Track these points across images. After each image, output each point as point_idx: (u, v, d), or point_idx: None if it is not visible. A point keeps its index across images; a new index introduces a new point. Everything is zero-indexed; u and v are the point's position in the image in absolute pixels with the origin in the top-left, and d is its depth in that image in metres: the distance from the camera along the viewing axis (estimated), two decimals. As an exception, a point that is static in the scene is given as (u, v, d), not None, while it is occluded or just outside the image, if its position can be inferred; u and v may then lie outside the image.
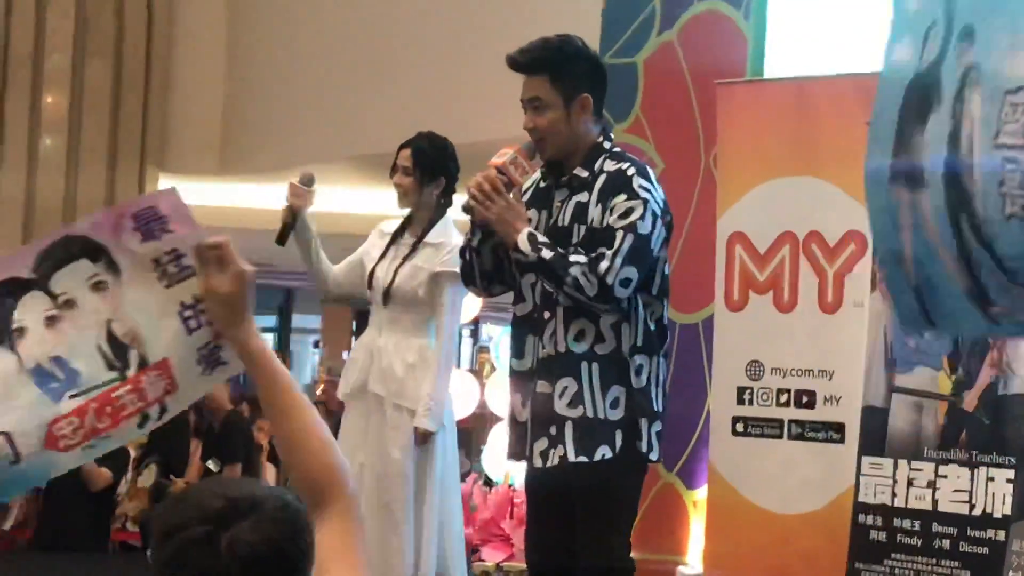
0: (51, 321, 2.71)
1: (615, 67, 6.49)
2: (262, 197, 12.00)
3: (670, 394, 6.02)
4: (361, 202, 11.81)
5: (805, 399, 5.43)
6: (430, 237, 6.09)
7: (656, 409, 4.76)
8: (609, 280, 4.58)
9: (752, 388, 5.54)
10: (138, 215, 2.71)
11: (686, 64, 6.37)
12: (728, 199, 5.68)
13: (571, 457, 4.67)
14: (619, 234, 4.60)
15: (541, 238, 4.65)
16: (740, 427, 5.57)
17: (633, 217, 4.62)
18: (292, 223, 6.08)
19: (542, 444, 4.74)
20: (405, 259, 6.08)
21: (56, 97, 11.75)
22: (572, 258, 4.59)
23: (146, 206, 2.72)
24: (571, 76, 4.75)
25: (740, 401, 5.57)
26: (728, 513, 5.62)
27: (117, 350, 2.73)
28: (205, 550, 2.04)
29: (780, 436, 5.47)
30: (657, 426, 4.77)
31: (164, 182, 12.14)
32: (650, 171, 4.78)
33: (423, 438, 5.95)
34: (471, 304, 13.48)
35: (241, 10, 12.03)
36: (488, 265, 4.88)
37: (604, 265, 4.58)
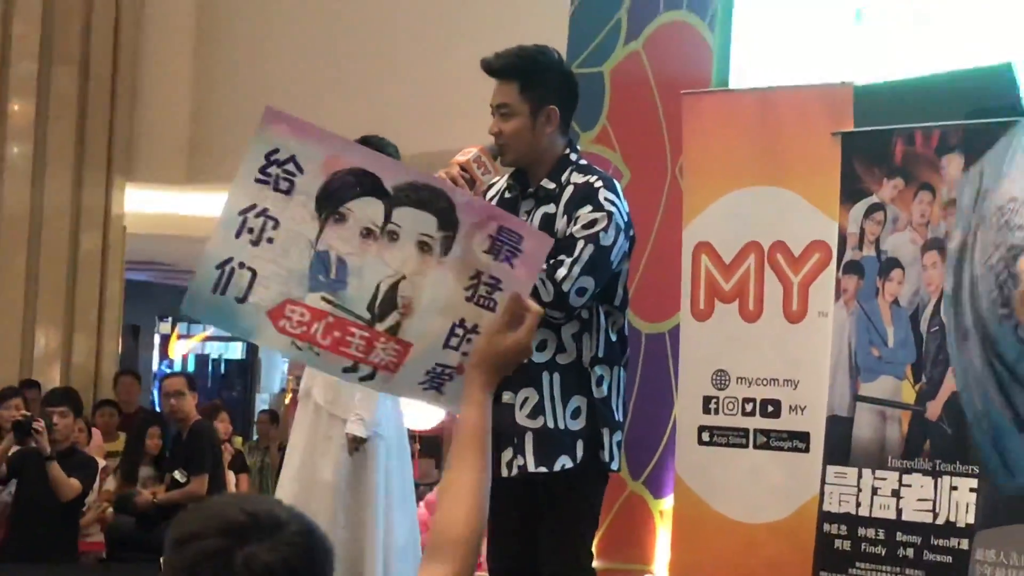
0: (367, 233, 2.70)
1: (582, 76, 6.49)
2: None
3: (637, 403, 6.06)
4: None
5: (770, 408, 5.44)
6: None
7: (617, 419, 4.77)
8: (565, 288, 4.56)
9: (718, 397, 5.55)
10: (504, 229, 2.70)
11: (652, 74, 6.38)
12: (694, 209, 5.69)
13: (531, 467, 4.67)
14: (580, 243, 4.59)
15: None
16: (706, 436, 5.58)
17: (596, 228, 4.61)
18: None
19: (508, 455, 4.74)
20: None
21: (22, 105, 11.71)
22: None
23: (516, 229, 2.71)
24: (541, 86, 4.75)
25: (706, 410, 5.58)
26: (694, 522, 5.63)
27: (387, 302, 2.72)
28: (219, 563, 1.99)
29: (746, 445, 5.48)
30: (618, 436, 4.77)
31: (131, 191, 12.11)
32: (617, 185, 4.79)
33: (352, 445, 5.94)
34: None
35: (208, 19, 12.01)
36: None
37: (562, 272, 4.57)
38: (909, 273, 5.00)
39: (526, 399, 4.70)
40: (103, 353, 12.06)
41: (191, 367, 23.64)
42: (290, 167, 2.72)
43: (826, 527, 5.09)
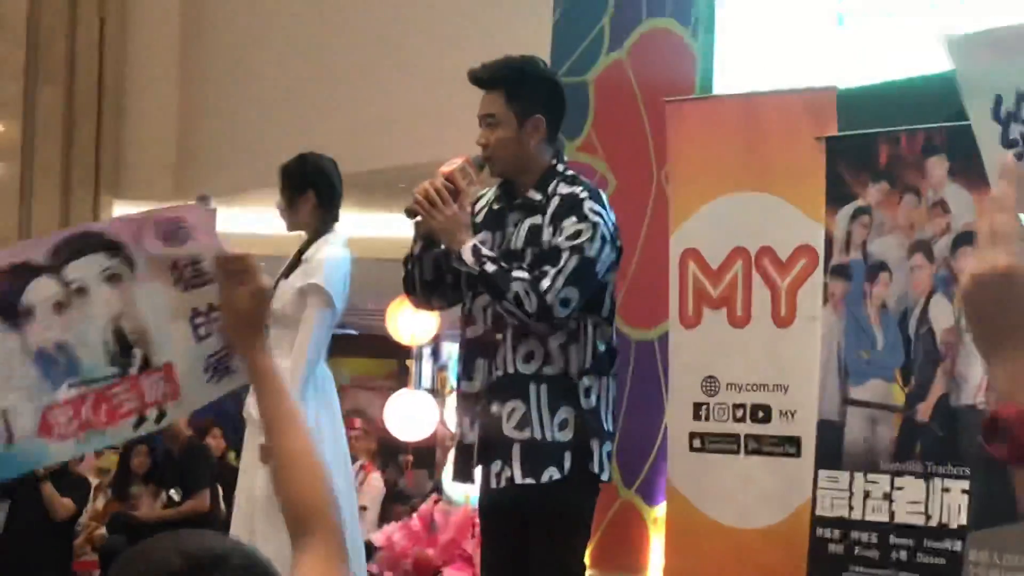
0: (59, 307, 2.67)
1: (566, 85, 6.51)
2: (219, 221, 11.98)
3: (628, 411, 6.06)
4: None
5: (761, 414, 5.44)
6: (308, 253, 6.03)
7: (607, 429, 4.76)
8: (549, 299, 4.56)
9: (708, 404, 5.55)
10: (162, 222, 2.68)
11: (636, 81, 6.39)
12: (680, 215, 5.69)
13: (518, 479, 4.67)
14: (564, 254, 4.59)
15: (486, 251, 4.64)
16: (697, 443, 5.58)
17: (581, 239, 4.61)
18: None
19: (496, 466, 4.74)
20: (281, 278, 6.02)
21: (8, 125, 11.72)
22: (515, 274, 4.58)
23: (172, 216, 2.69)
24: (527, 96, 4.75)
25: (696, 417, 5.57)
26: (687, 529, 5.63)
27: (122, 346, 2.68)
28: None
29: (737, 451, 5.48)
30: (608, 446, 4.76)
31: (119, 208, 12.11)
32: (603, 195, 4.78)
33: (263, 454, 5.92)
34: (429, 323, 13.48)
35: (193, 34, 12.02)
36: (428, 275, 4.86)
37: (546, 284, 4.56)
38: (896, 276, 5.00)
39: (513, 410, 4.69)
40: (94, 372, 12.02)
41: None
42: None
43: (819, 531, 5.09)
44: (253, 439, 6.03)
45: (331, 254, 5.95)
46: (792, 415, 5.36)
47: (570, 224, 4.63)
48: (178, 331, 2.69)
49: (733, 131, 5.58)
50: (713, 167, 5.61)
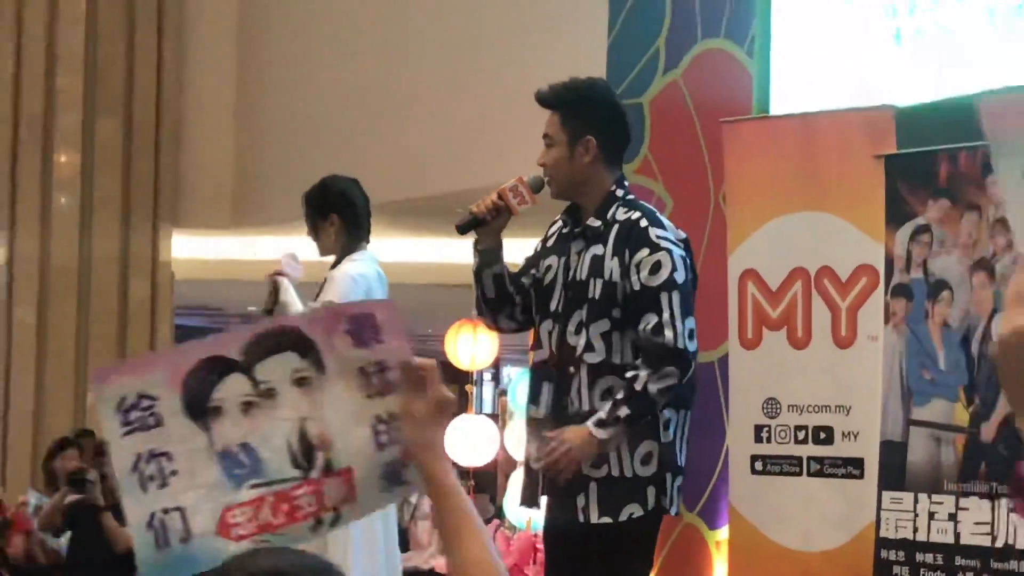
0: (248, 407, 2.68)
1: (621, 108, 6.50)
2: (275, 249, 12.02)
3: (689, 434, 6.02)
4: (372, 251, 11.82)
5: (823, 435, 5.39)
6: (329, 273, 6.10)
7: (679, 464, 4.74)
8: (681, 345, 4.57)
9: (769, 426, 5.51)
10: (354, 318, 2.69)
11: (692, 102, 6.37)
12: (738, 236, 5.66)
13: (593, 518, 4.63)
14: (663, 296, 4.59)
15: (600, 415, 4.56)
16: (759, 465, 5.54)
17: (665, 271, 4.60)
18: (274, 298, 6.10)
19: (567, 500, 4.70)
20: (312, 301, 6.06)
21: (68, 156, 11.82)
22: (636, 385, 4.52)
23: (363, 312, 2.69)
24: (580, 117, 4.76)
25: (758, 439, 5.53)
26: (750, 552, 5.58)
27: (306, 450, 2.68)
28: None
29: (799, 473, 5.43)
30: (679, 480, 4.74)
31: (177, 237, 12.18)
32: (660, 216, 4.77)
33: None
34: (489, 347, 13.46)
35: (250, 64, 12.08)
36: (490, 293, 4.87)
37: (668, 334, 4.56)
38: (958, 294, 4.95)
39: None
40: (155, 400, 12.07)
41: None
42: (144, 403, 2.71)
43: (884, 553, 5.04)
44: None
45: (349, 270, 6.00)
46: (855, 436, 5.31)
47: (645, 257, 4.61)
48: (360, 437, 2.69)
49: (791, 151, 5.55)
50: (771, 187, 5.58)
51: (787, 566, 5.45)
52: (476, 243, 4.85)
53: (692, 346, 4.62)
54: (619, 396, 4.54)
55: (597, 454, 4.58)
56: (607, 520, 4.63)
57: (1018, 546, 4.68)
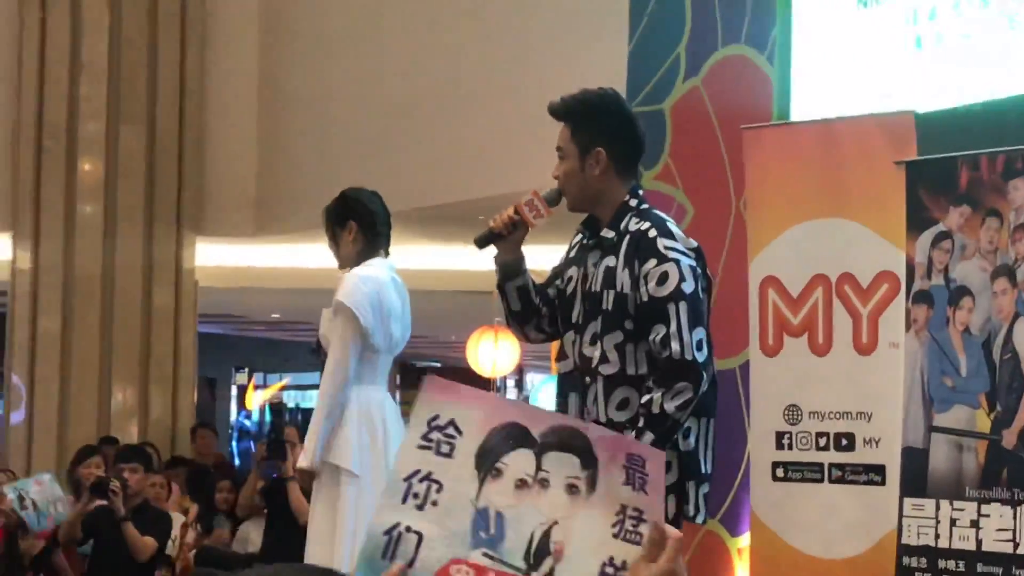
0: (522, 485, 2.73)
1: (642, 114, 6.49)
2: (298, 257, 12.06)
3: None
4: (396, 258, 11.85)
5: (844, 442, 5.39)
6: (340, 275, 6.19)
7: (704, 471, 4.71)
8: (688, 357, 4.53)
9: (791, 432, 5.51)
10: (631, 456, 2.73)
11: (713, 109, 6.37)
12: (759, 243, 5.66)
13: None
14: (670, 306, 4.57)
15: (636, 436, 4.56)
16: (780, 472, 5.53)
17: (672, 282, 4.58)
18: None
19: None
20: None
21: (92, 164, 11.85)
22: (653, 408, 4.51)
23: (640, 453, 2.74)
24: (590, 129, 4.76)
25: (779, 446, 5.53)
26: (772, 559, 5.58)
27: (541, 549, 2.71)
28: None
29: (821, 480, 5.43)
30: (705, 488, 4.71)
31: (201, 245, 12.21)
32: (671, 226, 4.74)
33: (300, 479, 5.95)
34: (511, 354, 13.45)
35: (273, 72, 12.11)
36: (515, 305, 4.88)
37: (675, 346, 4.53)
38: (979, 301, 4.94)
39: None
40: (179, 407, 12.14)
41: (267, 417, 23.74)
42: (450, 431, 2.79)
43: (905, 560, 5.03)
44: (325, 485, 6.08)
45: (358, 271, 6.06)
46: (876, 443, 5.31)
47: (652, 268, 4.59)
48: (589, 566, 2.70)
49: (811, 157, 5.54)
50: (791, 193, 5.57)
51: (809, 573, 5.45)
52: (495, 257, 4.88)
53: (701, 356, 4.55)
54: (640, 424, 4.53)
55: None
56: None
57: (1040, 553, 4.66)
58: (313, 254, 11.00)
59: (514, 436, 2.73)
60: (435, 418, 2.78)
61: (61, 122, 11.76)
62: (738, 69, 6.29)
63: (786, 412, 5.52)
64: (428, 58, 10.49)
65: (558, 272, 4.92)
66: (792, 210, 5.57)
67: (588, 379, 4.69)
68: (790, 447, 5.50)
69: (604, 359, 4.65)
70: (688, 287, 4.57)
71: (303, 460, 6.00)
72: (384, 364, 6.21)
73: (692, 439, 4.67)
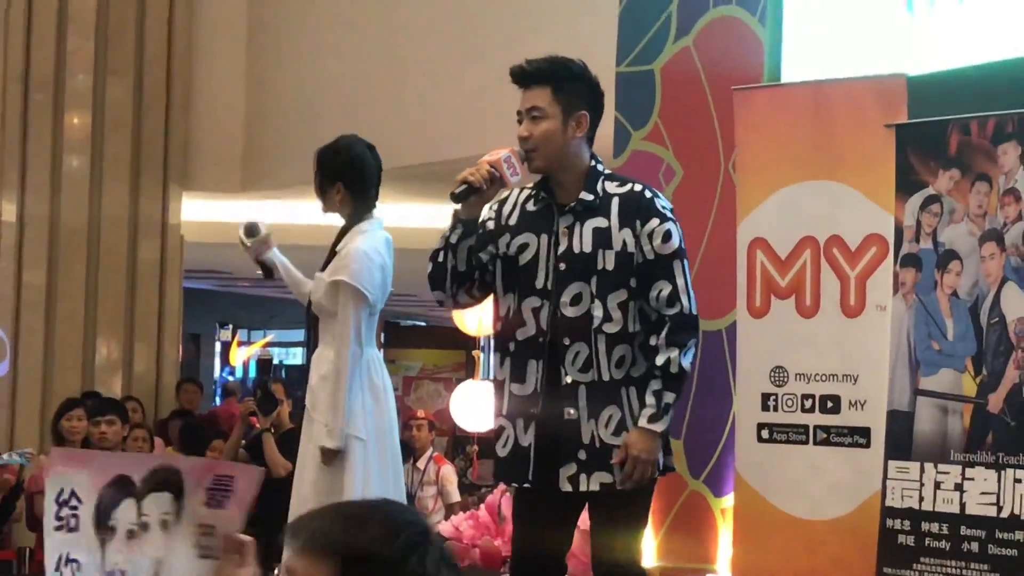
0: (130, 535, 2.86)
1: (632, 75, 6.49)
2: (285, 213, 12.02)
3: (695, 401, 6.04)
4: (383, 215, 11.83)
5: (830, 404, 5.40)
6: (340, 245, 6.10)
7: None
8: (694, 312, 4.80)
9: (776, 394, 5.52)
10: (219, 478, 2.80)
11: (703, 70, 6.35)
12: (747, 205, 5.66)
13: (619, 484, 4.72)
14: (676, 264, 4.76)
15: (650, 410, 4.72)
16: (765, 433, 5.55)
17: (675, 241, 4.79)
18: (268, 270, 6.32)
19: (569, 470, 4.74)
20: (321, 269, 6.08)
21: (78, 118, 11.80)
22: (672, 369, 4.70)
23: (228, 474, 2.83)
24: (573, 92, 4.82)
25: (765, 407, 5.54)
26: (756, 520, 5.60)
27: None
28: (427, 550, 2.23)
29: (806, 442, 5.45)
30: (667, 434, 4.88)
31: (187, 200, 12.17)
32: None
33: (325, 457, 5.92)
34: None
35: (261, 27, 12.06)
36: (462, 266, 4.86)
37: (685, 302, 4.75)
38: (967, 265, 4.94)
39: (610, 417, 4.73)
40: (164, 362, 12.14)
41: (251, 373, 23.72)
42: (73, 502, 2.95)
43: (889, 522, 5.05)
44: (309, 431, 6.08)
45: (360, 246, 6.00)
46: (862, 405, 5.32)
47: (657, 227, 4.75)
48: None
49: (801, 119, 5.54)
50: (781, 156, 5.57)
51: (792, 534, 5.47)
52: (458, 213, 4.84)
53: (697, 309, 4.83)
54: (657, 386, 4.70)
55: (661, 444, 4.76)
56: (630, 484, 4.71)
57: (1023, 516, 4.68)
58: (299, 210, 10.98)
59: (120, 489, 2.86)
60: (60, 493, 2.94)
61: (48, 75, 11.71)
62: (729, 30, 6.27)
63: (772, 374, 5.53)
64: (417, 18, 10.46)
65: (490, 238, 4.87)
66: (781, 172, 5.57)
67: (567, 340, 4.70)
68: (775, 409, 5.52)
69: (607, 318, 4.71)
70: (683, 247, 4.74)
71: (330, 441, 5.91)
72: (375, 322, 6.22)
73: None
